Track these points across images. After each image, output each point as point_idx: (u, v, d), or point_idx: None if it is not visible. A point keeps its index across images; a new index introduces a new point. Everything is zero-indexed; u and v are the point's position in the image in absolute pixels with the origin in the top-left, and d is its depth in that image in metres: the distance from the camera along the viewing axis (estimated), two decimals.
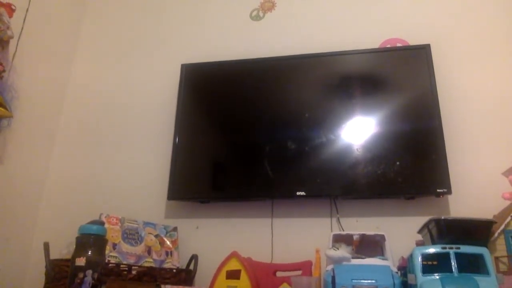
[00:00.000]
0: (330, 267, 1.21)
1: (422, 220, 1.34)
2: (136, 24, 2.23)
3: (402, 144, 1.59)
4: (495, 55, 1.76)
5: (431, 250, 1.10)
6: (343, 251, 1.23)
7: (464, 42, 1.81)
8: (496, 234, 1.23)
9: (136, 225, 1.57)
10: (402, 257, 1.29)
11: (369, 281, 1.11)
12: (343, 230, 1.61)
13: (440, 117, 1.60)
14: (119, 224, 1.53)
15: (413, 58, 1.71)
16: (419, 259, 1.09)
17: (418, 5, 1.93)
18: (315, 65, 1.80)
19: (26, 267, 1.79)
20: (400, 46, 1.82)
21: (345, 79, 1.74)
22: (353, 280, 1.12)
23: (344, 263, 1.21)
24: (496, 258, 1.21)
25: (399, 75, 1.70)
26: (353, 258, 1.23)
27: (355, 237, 1.37)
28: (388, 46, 1.86)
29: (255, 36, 2.05)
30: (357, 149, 1.62)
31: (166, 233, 1.64)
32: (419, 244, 1.32)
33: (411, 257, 1.13)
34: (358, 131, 1.65)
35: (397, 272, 1.18)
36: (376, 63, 1.75)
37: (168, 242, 1.62)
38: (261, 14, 2.09)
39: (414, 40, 1.84)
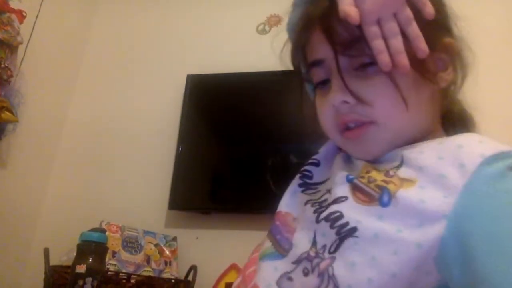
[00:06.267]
0: None
1: None
2: (144, 33, 2.25)
3: None
4: (496, 82, 1.78)
5: None
6: None
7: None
8: None
9: (136, 234, 1.57)
10: None
11: None
12: None
13: None
14: (120, 232, 1.53)
15: None
16: None
17: None
18: None
19: (24, 273, 1.79)
20: None
21: None
22: None
23: None
24: None
25: None
26: None
27: None
28: None
29: (261, 49, 2.06)
30: None
31: (166, 242, 1.64)
32: None
33: None
34: None
35: None
36: None
37: (167, 252, 1.62)
38: (267, 28, 2.11)
39: None
